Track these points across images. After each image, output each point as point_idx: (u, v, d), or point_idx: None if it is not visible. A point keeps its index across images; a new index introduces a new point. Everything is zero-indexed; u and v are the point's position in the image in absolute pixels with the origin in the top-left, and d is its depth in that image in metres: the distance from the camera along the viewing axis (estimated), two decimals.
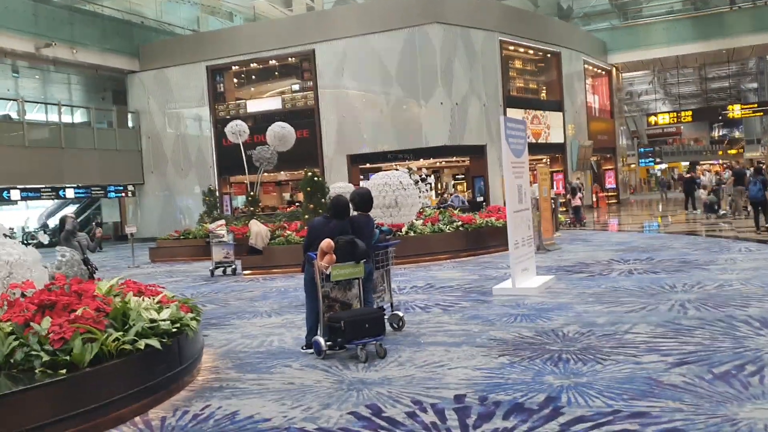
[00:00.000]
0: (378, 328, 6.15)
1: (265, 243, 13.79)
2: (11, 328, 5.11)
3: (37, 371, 4.61)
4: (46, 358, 4.70)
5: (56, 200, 31.77)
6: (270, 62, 29.51)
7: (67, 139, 27.92)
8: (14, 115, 28.11)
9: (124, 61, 30.63)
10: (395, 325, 7.17)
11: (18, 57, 27.52)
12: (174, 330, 5.60)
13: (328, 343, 6.21)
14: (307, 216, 13.91)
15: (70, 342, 4.79)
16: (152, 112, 31.06)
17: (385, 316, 6.81)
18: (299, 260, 6.87)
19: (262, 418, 4.66)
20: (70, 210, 35.70)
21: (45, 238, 6.70)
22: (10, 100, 28.11)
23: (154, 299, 6.14)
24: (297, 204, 26.97)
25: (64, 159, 27.53)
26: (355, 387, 5.21)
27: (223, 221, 14.91)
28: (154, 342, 5.16)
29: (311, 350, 6.39)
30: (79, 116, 32.59)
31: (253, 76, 31.00)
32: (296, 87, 29.44)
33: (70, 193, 29.36)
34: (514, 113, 26.34)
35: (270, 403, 5.01)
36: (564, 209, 23.50)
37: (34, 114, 30.10)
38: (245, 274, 13.73)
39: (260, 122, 26.22)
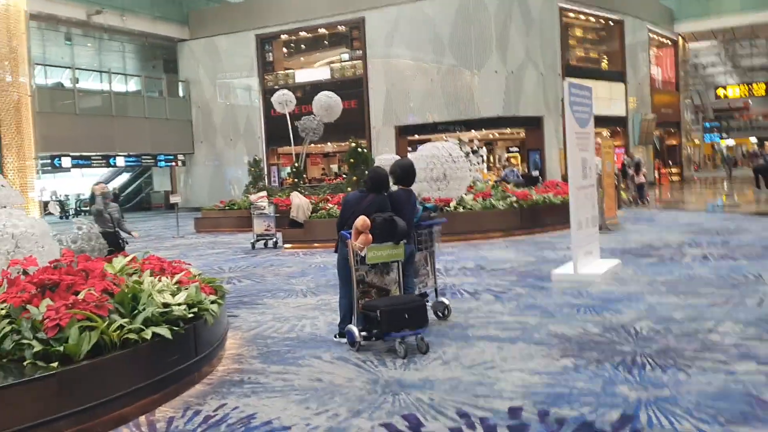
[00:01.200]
0: (419, 319, 5.40)
1: (306, 216, 13.17)
2: (7, 310, 4.56)
3: (26, 363, 4.02)
4: (38, 347, 4.10)
5: (109, 168, 31.89)
6: (319, 31, 28.74)
7: (118, 108, 27.85)
8: (67, 83, 28.14)
9: (173, 29, 30.33)
10: (440, 314, 6.41)
11: (71, 24, 27.48)
12: (190, 315, 4.97)
13: (363, 333, 5.49)
14: (350, 189, 13.20)
15: (66, 330, 4.19)
16: (202, 82, 30.74)
17: (428, 304, 6.06)
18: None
19: (281, 426, 3.99)
20: (123, 179, 35.99)
21: (55, 209, 6.06)
22: (64, 67, 28.10)
23: (172, 279, 5.52)
24: (343, 176, 26.33)
25: (114, 127, 27.48)
26: (390, 389, 4.48)
27: (264, 193, 14.34)
28: (164, 331, 4.52)
29: (344, 340, 5.69)
30: (133, 85, 32.55)
31: (303, 45, 30.32)
32: (345, 56, 28.61)
33: (120, 162, 29.40)
34: None
35: (293, 405, 4.33)
36: (624, 186, 22.21)
37: (88, 82, 30.14)
38: (286, 248, 13.16)
39: (309, 92, 25.51)
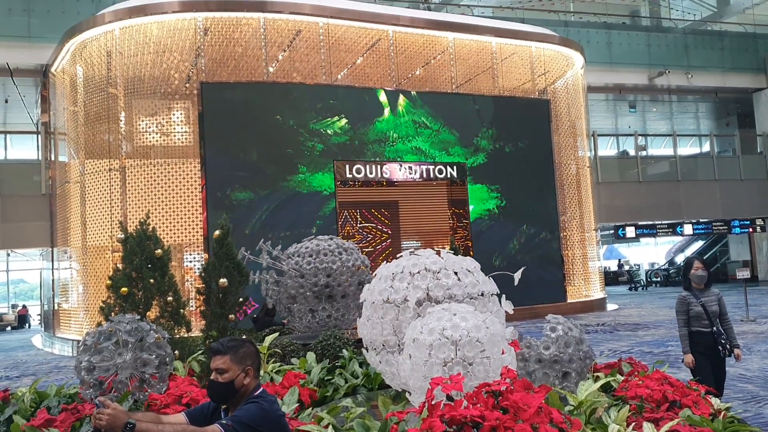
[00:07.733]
0: None
1: None
2: None
3: None
4: None
5: (675, 236, 30.01)
6: None
7: (684, 172, 25.92)
8: (632, 151, 27.74)
9: (747, 79, 27.03)
10: None
11: (635, 91, 27.14)
12: None
13: None
14: None
15: None
16: None
17: None
18: None
19: None
20: (695, 247, 33.49)
21: (510, 308, 4.61)
22: (626, 135, 27.84)
23: (658, 429, 3.48)
24: None
25: (680, 192, 25.58)
26: None
27: None
28: None
29: None
30: (701, 145, 30.26)
31: None
32: None
33: (688, 229, 27.15)
34: None
35: None
36: None
37: (654, 149, 29.26)
38: None
39: None
